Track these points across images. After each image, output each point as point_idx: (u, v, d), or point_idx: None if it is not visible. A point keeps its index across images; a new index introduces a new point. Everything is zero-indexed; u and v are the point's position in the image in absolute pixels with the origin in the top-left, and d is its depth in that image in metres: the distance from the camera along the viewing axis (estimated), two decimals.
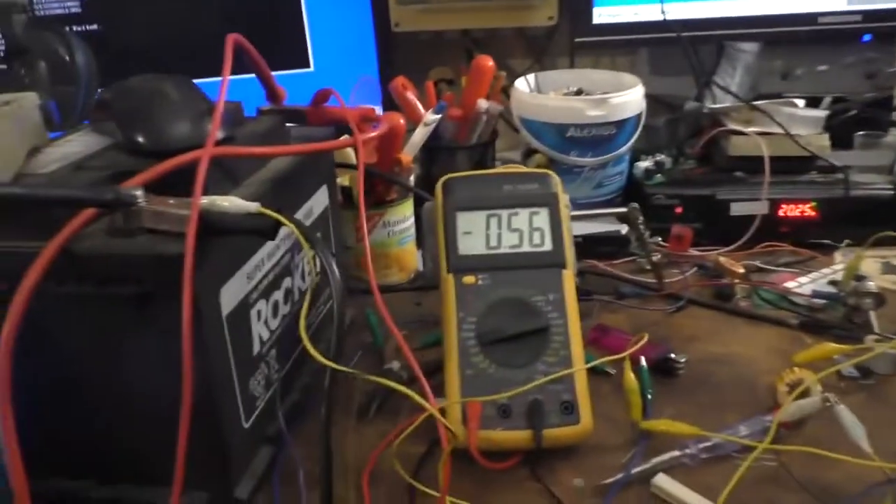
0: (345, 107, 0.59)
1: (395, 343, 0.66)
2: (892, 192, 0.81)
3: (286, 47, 0.97)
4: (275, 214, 0.41)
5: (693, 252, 0.80)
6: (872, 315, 0.66)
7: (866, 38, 0.93)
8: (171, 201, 0.43)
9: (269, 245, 0.51)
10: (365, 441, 0.55)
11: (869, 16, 0.90)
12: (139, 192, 0.42)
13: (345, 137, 0.54)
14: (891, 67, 0.93)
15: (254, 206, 0.42)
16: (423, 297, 0.75)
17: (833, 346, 0.59)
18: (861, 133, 0.87)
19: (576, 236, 0.70)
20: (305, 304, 0.44)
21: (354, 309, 0.71)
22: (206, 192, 0.43)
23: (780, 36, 0.92)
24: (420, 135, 0.76)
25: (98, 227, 0.43)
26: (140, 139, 0.50)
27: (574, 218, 0.69)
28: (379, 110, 0.96)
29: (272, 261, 0.52)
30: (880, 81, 0.94)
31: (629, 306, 0.72)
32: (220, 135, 0.50)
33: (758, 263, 0.79)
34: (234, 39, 0.49)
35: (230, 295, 0.46)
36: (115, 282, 0.42)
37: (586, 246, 0.79)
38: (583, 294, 0.73)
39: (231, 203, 0.42)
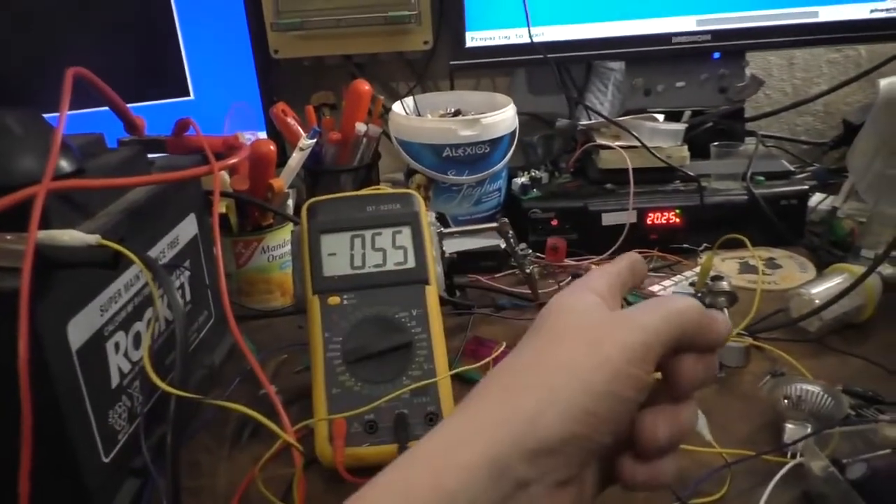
0: (202, 135, 0.59)
1: (271, 368, 0.67)
2: (746, 198, 0.87)
3: (164, 76, 0.97)
4: (115, 245, 0.41)
5: (569, 262, 0.84)
6: (726, 312, 0.71)
7: (717, 55, 1.00)
8: (9, 237, 0.42)
9: (127, 276, 0.51)
10: (239, 468, 0.55)
11: (717, 35, 0.97)
12: None
13: (202, 166, 0.54)
14: (740, 82, 1.01)
15: (93, 239, 0.41)
16: (304, 320, 0.75)
17: None
18: (717, 143, 0.94)
19: (454, 252, 0.73)
20: (149, 332, 0.44)
21: (231, 338, 0.71)
22: (48, 226, 0.43)
23: (640, 55, 0.98)
24: (296, 159, 0.77)
25: None
26: None
27: (453, 234, 0.72)
28: (261, 135, 0.97)
29: (130, 292, 0.51)
30: (732, 95, 1.01)
31: (506, 318, 0.75)
32: (67, 168, 0.50)
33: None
34: (73, 73, 0.49)
35: (80, 328, 0.45)
36: None
37: (468, 261, 0.81)
38: (462, 308, 0.76)
39: (70, 236, 0.42)
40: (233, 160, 0.56)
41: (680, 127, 0.92)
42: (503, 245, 0.83)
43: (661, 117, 0.93)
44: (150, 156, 0.62)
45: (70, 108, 0.59)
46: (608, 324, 0.33)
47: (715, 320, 0.35)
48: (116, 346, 0.50)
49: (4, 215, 0.44)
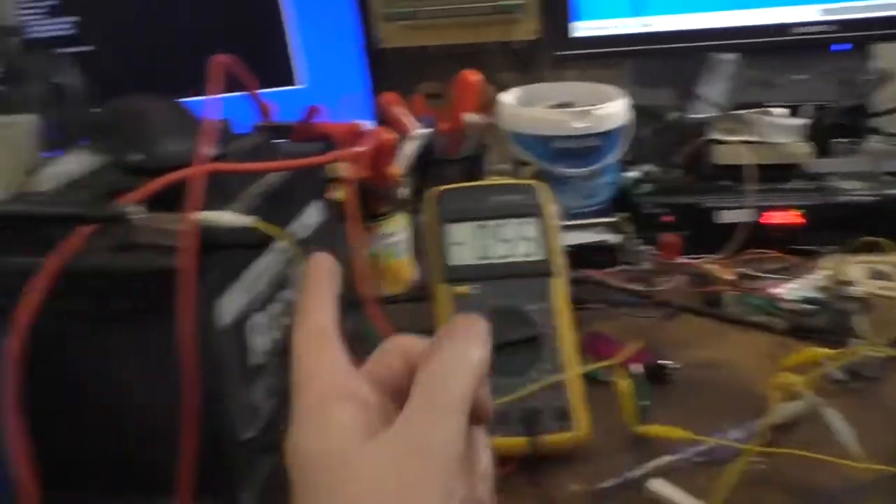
0: (332, 122, 0.60)
1: None
2: (874, 198, 0.82)
3: (274, 65, 0.98)
4: (269, 228, 0.42)
5: (682, 260, 0.81)
6: (858, 319, 0.67)
7: (840, 47, 0.95)
8: (168, 217, 0.43)
9: (267, 258, 0.52)
10: None
11: (843, 25, 0.92)
12: (136, 209, 0.43)
13: (336, 152, 0.55)
14: (866, 75, 0.95)
15: (249, 220, 0.42)
16: (419, 307, 0.76)
17: (820, 350, 0.60)
18: (839, 140, 0.89)
19: (567, 246, 0.71)
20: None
21: (353, 322, 0.71)
22: (201, 208, 0.44)
23: (757, 46, 0.94)
24: (409, 149, 0.77)
25: (95, 243, 0.44)
26: (134, 158, 0.51)
27: (565, 228, 0.70)
28: (370, 125, 0.97)
29: (269, 274, 0.52)
30: (856, 89, 0.96)
31: (621, 314, 0.73)
32: (211, 151, 0.51)
33: (746, 270, 0.80)
34: (219, 62, 0.50)
35: (228, 307, 0.46)
36: (113, 297, 0.42)
37: (579, 255, 0.79)
38: (576, 303, 0.74)
39: (226, 218, 0.42)
40: (365, 147, 0.56)
41: (802, 122, 0.88)
42: (614, 240, 0.81)
43: (782, 111, 0.89)
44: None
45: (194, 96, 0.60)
46: (398, 469, 0.26)
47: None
48: (257, 325, 0.51)
49: (154, 196, 0.45)
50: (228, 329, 0.46)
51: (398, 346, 0.32)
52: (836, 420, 0.52)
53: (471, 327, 0.30)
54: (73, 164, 0.55)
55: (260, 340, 0.51)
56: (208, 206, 0.46)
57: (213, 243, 0.42)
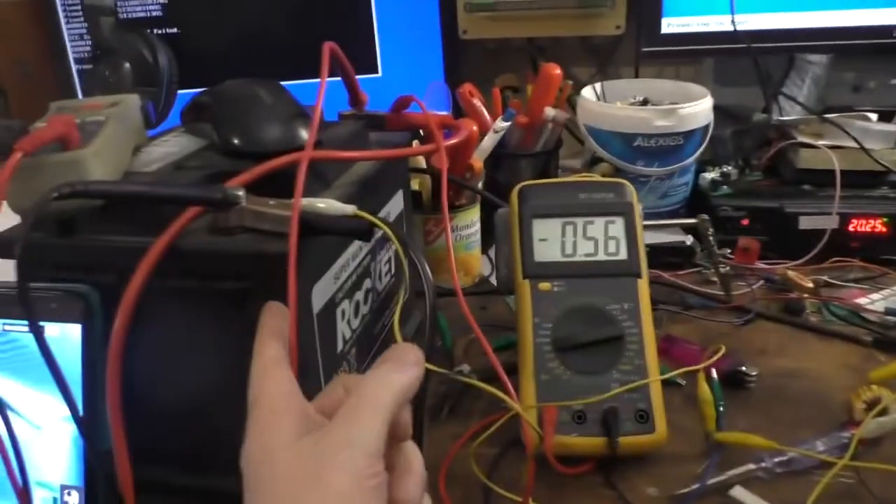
0: (428, 113, 0.61)
1: (463, 346, 0.68)
2: None
3: (356, 53, 0.99)
4: (370, 217, 0.43)
5: (760, 265, 0.80)
6: None
7: None
8: (272, 202, 0.44)
9: (353, 247, 0.53)
10: (436, 443, 0.56)
11: None
12: (242, 192, 0.44)
13: (428, 144, 0.55)
14: None
15: (350, 209, 0.43)
16: (488, 301, 0.76)
17: None
18: None
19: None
20: (401, 300, 0.46)
21: (421, 312, 0.72)
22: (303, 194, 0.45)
23: (852, 48, 0.91)
24: (490, 141, 0.78)
25: (199, 224, 0.45)
26: (235, 141, 0.52)
27: (649, 227, 0.70)
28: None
29: (355, 262, 0.53)
30: None
31: (697, 317, 0.72)
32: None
33: (827, 278, 0.78)
34: (329, 48, 0.51)
35: (320, 294, 0.47)
36: (217, 278, 0.44)
37: (652, 256, 0.79)
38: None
39: (328, 205, 0.43)
40: (457, 139, 0.57)
41: (894, 128, 0.85)
42: (689, 241, 0.80)
43: (873, 116, 0.86)
44: None
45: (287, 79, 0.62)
46: (316, 458, 0.31)
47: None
48: (343, 313, 0.52)
49: (256, 181, 0.47)
50: (321, 315, 0.48)
51: (342, 380, 0.38)
52: None
53: (403, 355, 0.36)
54: (174, 145, 0.57)
55: (344, 328, 0.52)
56: (308, 192, 0.47)
57: (315, 230, 0.43)
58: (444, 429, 0.58)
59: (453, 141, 0.57)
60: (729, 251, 0.79)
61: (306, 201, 0.44)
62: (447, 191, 0.74)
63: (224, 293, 0.44)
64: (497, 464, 0.54)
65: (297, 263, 0.42)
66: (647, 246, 0.74)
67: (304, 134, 0.52)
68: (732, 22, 0.90)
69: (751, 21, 0.91)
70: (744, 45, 0.89)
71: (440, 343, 0.67)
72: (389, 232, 0.43)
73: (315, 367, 0.48)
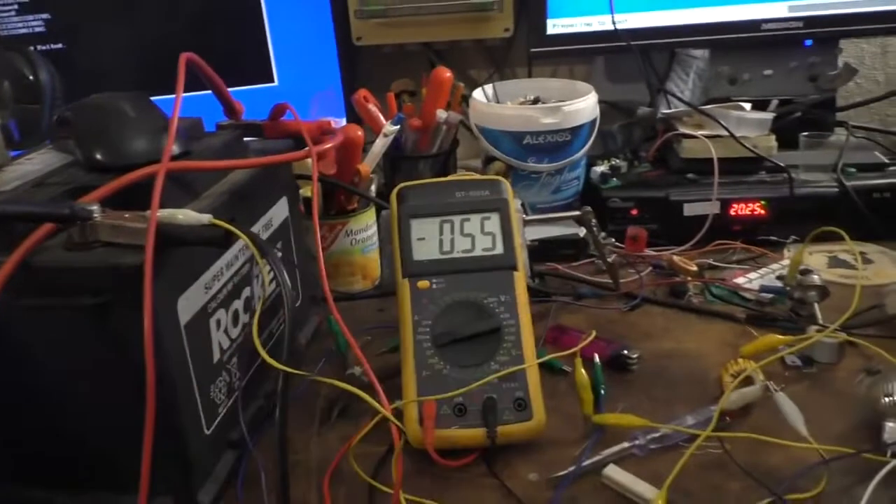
0: (300, 120, 0.61)
1: (358, 348, 0.68)
2: (836, 190, 0.84)
3: (250, 63, 0.99)
4: (226, 225, 0.43)
5: (649, 252, 0.83)
6: (817, 307, 0.69)
7: (808, 42, 0.96)
8: (127, 215, 0.44)
9: (228, 255, 0.53)
10: (327, 445, 0.57)
11: (809, 21, 0.93)
12: (95, 207, 0.44)
13: (299, 151, 0.56)
14: (832, 70, 0.97)
15: (206, 218, 0.43)
16: (385, 303, 0.77)
17: (777, 337, 0.62)
18: (806, 134, 0.91)
19: (534, 240, 0.73)
20: (258, 310, 0.46)
21: (320, 316, 0.73)
22: (162, 206, 0.45)
23: (727, 42, 0.96)
24: (379, 145, 0.78)
25: (58, 241, 0.44)
26: (98, 156, 0.52)
27: (532, 222, 0.72)
28: (342, 122, 0.98)
29: (231, 271, 0.53)
30: (822, 84, 0.97)
31: (587, 306, 0.75)
32: (176, 150, 0.52)
33: (711, 261, 0.81)
34: (186, 58, 0.51)
35: (188, 304, 0.47)
36: (75, 294, 0.43)
37: (547, 249, 0.81)
38: (542, 295, 0.76)
39: (185, 215, 0.43)
40: (330, 144, 0.57)
41: (767, 116, 0.89)
42: (582, 234, 0.83)
43: (747, 106, 0.90)
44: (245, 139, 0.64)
45: (164, 93, 0.61)
46: None
47: None
48: (218, 322, 0.52)
49: (118, 194, 0.46)
50: (190, 326, 0.47)
51: None
52: (785, 404, 0.54)
53: None
54: (38, 163, 0.56)
55: (221, 338, 0.52)
56: (172, 204, 0.47)
57: (172, 240, 0.43)
58: (335, 430, 0.58)
59: (326, 146, 0.58)
60: (617, 241, 0.82)
61: (164, 212, 0.43)
62: (339, 196, 0.75)
63: (82, 309, 0.43)
64: (385, 461, 0.54)
65: (157, 275, 0.42)
66: (540, 240, 0.77)
67: (174, 146, 0.52)
68: (613, 21, 0.93)
69: (631, 20, 0.95)
70: (625, 43, 0.93)
71: (334, 346, 0.68)
72: (247, 239, 0.43)
73: (187, 379, 0.47)
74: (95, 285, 0.43)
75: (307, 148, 0.56)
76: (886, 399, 0.53)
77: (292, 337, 0.42)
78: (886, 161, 0.91)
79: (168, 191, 0.48)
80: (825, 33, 0.95)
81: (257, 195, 0.59)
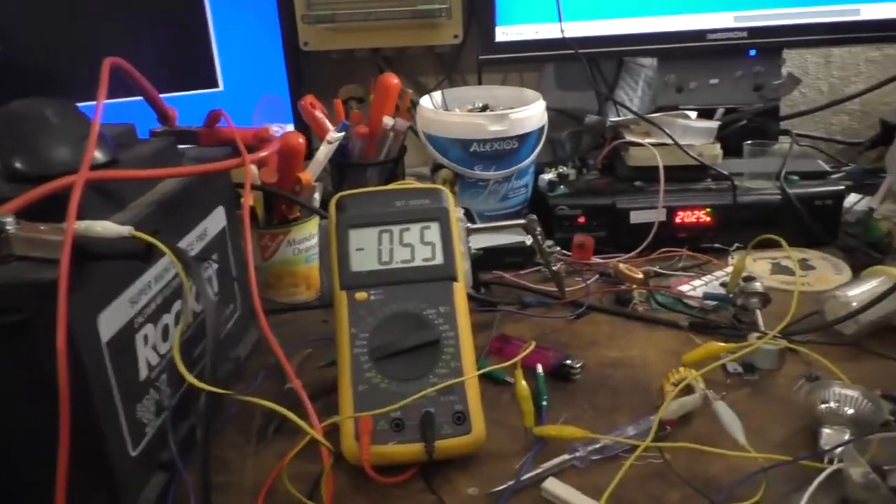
0: (234, 127, 0.59)
1: (296, 362, 0.67)
2: (779, 198, 0.85)
3: (194, 68, 0.97)
4: (148, 238, 0.41)
5: (595, 260, 0.83)
6: (759, 314, 0.69)
7: (753, 52, 0.98)
8: (43, 227, 0.42)
9: (157, 268, 0.51)
10: (264, 463, 0.55)
11: (753, 32, 0.95)
12: (10, 219, 0.42)
13: (232, 159, 0.54)
14: (776, 80, 0.98)
15: (126, 230, 0.41)
16: (329, 314, 0.75)
17: (718, 344, 0.62)
18: (750, 142, 0.92)
19: (479, 248, 0.72)
20: (180, 327, 0.44)
21: (258, 331, 0.71)
22: (83, 217, 0.43)
23: (673, 51, 0.97)
24: (323, 153, 0.77)
25: None
26: (18, 165, 0.49)
27: (477, 230, 0.71)
28: (289, 128, 0.97)
29: (160, 284, 0.51)
30: (767, 93, 0.99)
31: (532, 315, 0.74)
32: (100, 158, 0.50)
33: (656, 269, 0.82)
34: (110, 62, 0.49)
35: (110, 320, 0.45)
36: None
37: (494, 257, 0.80)
38: (487, 305, 0.75)
39: (104, 228, 0.41)
40: (264, 153, 0.56)
41: (712, 125, 0.90)
42: (529, 242, 0.82)
43: (693, 115, 0.91)
44: (180, 147, 0.62)
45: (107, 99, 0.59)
46: None
47: None
48: (145, 338, 0.50)
49: (37, 205, 0.44)
50: (113, 343, 0.45)
51: None
52: (724, 412, 0.54)
53: None
54: None
55: (149, 354, 0.50)
56: (95, 215, 0.45)
57: (91, 254, 0.41)
58: (272, 448, 0.57)
59: (260, 155, 0.56)
60: (559, 248, 0.82)
61: (82, 225, 0.42)
62: (281, 205, 0.74)
63: None
64: (321, 480, 0.53)
65: (75, 290, 0.40)
66: (486, 249, 0.76)
67: (98, 154, 0.50)
68: (561, 29, 0.93)
69: (579, 28, 0.95)
70: (572, 51, 0.93)
71: (275, 360, 0.66)
72: (169, 252, 0.42)
73: (110, 398, 0.45)
74: (10, 301, 0.41)
75: (242, 156, 0.54)
76: (823, 406, 0.54)
77: (216, 355, 0.40)
78: (828, 169, 0.93)
79: (90, 201, 0.46)
80: (769, 43, 0.96)
81: (190, 205, 0.57)
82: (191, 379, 0.39)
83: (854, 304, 0.66)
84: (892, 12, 0.93)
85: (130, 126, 0.60)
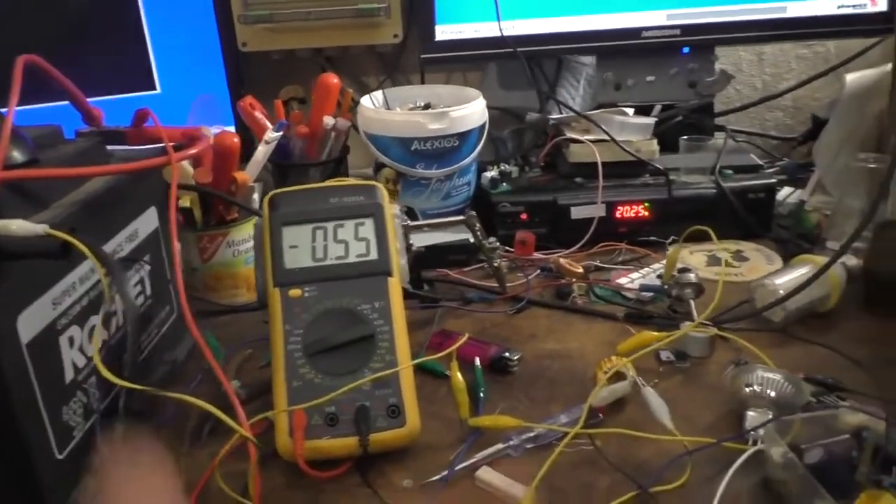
0: (160, 126, 0.59)
1: (236, 363, 0.66)
2: (714, 191, 0.87)
3: (131, 70, 0.95)
4: (63, 235, 0.41)
5: (537, 256, 0.84)
6: (693, 304, 0.71)
7: (686, 50, 1.00)
8: None
9: (82, 269, 0.50)
10: (199, 464, 0.54)
11: (686, 29, 0.97)
12: None
13: (157, 157, 0.53)
14: (710, 77, 1.01)
15: (41, 228, 0.41)
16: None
17: (650, 333, 0.64)
18: (686, 138, 0.94)
19: (422, 246, 0.72)
20: (98, 325, 0.43)
21: (200, 330, 0.70)
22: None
23: (610, 49, 0.99)
24: (261, 153, 0.77)
25: None
26: None
27: (416, 228, 0.71)
28: (228, 129, 0.96)
29: (86, 285, 0.51)
30: (701, 90, 1.02)
31: (474, 311, 0.75)
32: (19, 158, 0.49)
33: (597, 263, 0.83)
34: (25, 60, 0.48)
35: (31, 321, 0.44)
36: None
37: (438, 255, 0.81)
38: (429, 302, 0.76)
39: (19, 226, 0.41)
40: (191, 151, 0.55)
41: (649, 121, 0.92)
42: (472, 239, 0.83)
43: (630, 111, 0.93)
44: (110, 147, 0.62)
45: (32, 102, 0.58)
46: None
47: None
48: (71, 340, 0.49)
49: None
50: (34, 344, 0.44)
51: None
52: (652, 398, 0.55)
53: None
54: None
55: (75, 356, 0.49)
56: (15, 214, 0.44)
57: (6, 253, 0.41)
58: (206, 448, 0.56)
59: (189, 153, 0.56)
60: (500, 244, 0.82)
61: None
62: (218, 205, 0.73)
63: None
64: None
65: None
66: (430, 246, 0.77)
67: (15, 154, 0.49)
68: (499, 28, 0.94)
69: (518, 26, 0.97)
70: (511, 50, 0.94)
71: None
72: (86, 250, 0.41)
73: (32, 399, 0.45)
74: None
75: (160, 156, 0.53)
76: (747, 389, 0.56)
77: (135, 354, 0.40)
78: (761, 163, 0.96)
79: (9, 201, 0.46)
80: (701, 41, 0.99)
81: (119, 205, 0.56)
82: (110, 377, 0.38)
83: (781, 291, 0.68)
84: (815, 10, 0.96)
85: (55, 127, 0.59)
